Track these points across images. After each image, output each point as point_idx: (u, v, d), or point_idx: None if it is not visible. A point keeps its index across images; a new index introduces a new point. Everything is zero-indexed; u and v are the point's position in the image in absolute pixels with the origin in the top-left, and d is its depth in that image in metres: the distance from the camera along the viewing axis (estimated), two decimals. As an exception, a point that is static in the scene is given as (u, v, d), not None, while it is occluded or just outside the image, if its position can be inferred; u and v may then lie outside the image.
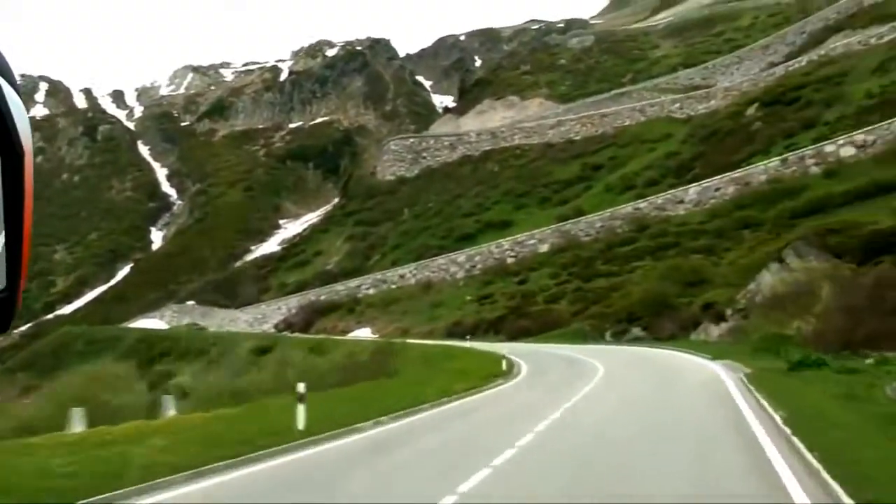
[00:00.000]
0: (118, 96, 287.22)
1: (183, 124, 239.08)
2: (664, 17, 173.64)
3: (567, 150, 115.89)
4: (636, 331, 39.06)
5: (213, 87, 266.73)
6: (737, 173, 61.56)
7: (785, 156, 59.03)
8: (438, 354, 37.84)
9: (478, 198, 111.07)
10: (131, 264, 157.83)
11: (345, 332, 75.03)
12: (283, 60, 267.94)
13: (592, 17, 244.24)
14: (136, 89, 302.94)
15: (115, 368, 77.32)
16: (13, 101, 1.29)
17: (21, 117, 1.30)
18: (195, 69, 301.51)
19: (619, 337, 41.08)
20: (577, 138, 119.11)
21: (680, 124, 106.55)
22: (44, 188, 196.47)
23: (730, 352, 30.68)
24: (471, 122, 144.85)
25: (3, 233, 1.33)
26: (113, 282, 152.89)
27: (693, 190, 64.38)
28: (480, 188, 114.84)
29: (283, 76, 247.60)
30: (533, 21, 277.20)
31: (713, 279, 38.65)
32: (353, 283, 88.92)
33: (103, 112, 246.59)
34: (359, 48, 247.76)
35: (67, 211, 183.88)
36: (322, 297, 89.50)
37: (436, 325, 62.41)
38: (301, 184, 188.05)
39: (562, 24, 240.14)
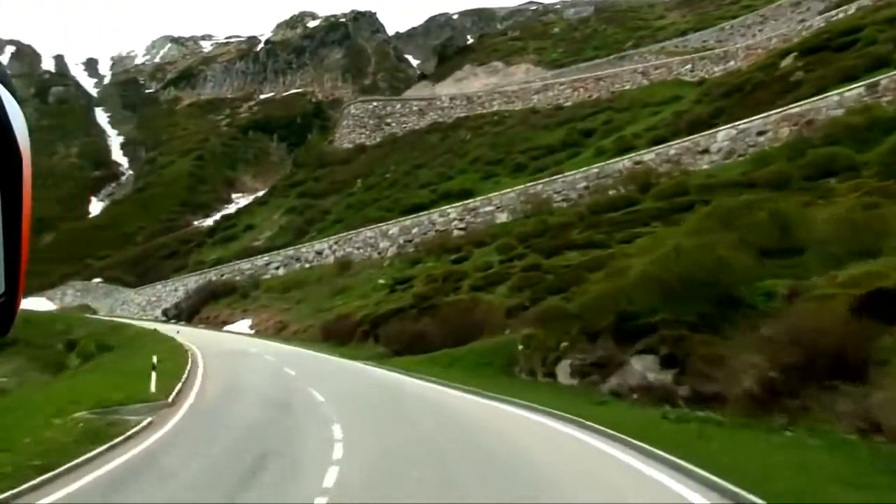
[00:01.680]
0: (91, 64, 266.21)
1: (147, 91, 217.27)
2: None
3: (553, 116, 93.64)
4: (644, 361, 16.38)
5: (186, 57, 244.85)
6: (793, 108, 39.09)
7: (875, 79, 36.65)
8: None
9: (442, 167, 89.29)
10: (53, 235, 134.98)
11: (225, 324, 53.47)
12: (265, 35, 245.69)
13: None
14: (112, 58, 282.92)
15: None
16: (10, 105, 1.24)
17: (19, 121, 1.25)
18: (174, 40, 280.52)
19: (588, 378, 17.67)
20: (567, 104, 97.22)
21: (690, 87, 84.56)
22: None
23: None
24: (447, 90, 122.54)
25: (2, 237, 1.28)
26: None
27: (723, 135, 41.94)
28: (447, 157, 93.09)
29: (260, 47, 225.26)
30: (531, 2, 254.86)
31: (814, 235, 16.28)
32: (260, 260, 66.91)
33: (61, 75, 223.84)
34: (342, 20, 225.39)
35: None
36: (224, 277, 67.22)
37: (326, 317, 40.50)
38: (262, 157, 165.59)
39: (559, 6, 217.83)
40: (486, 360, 22.17)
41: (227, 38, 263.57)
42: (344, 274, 52.34)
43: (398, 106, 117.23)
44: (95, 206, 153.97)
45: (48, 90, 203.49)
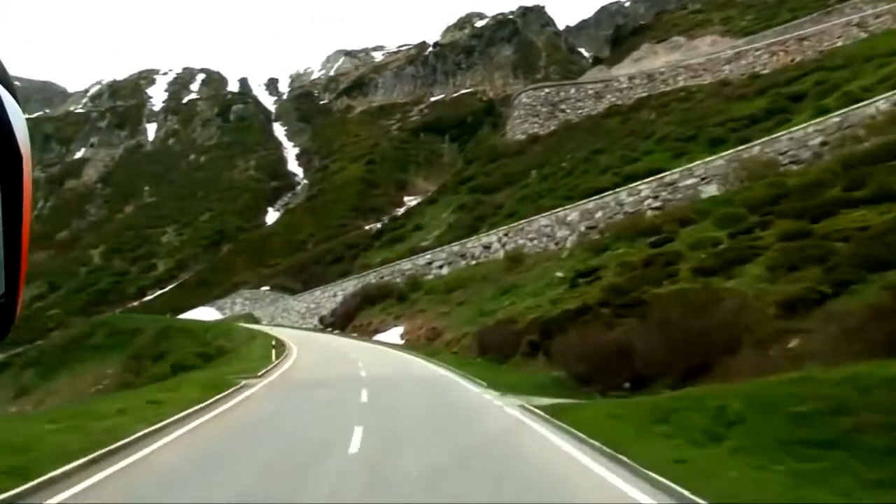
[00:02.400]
0: (272, 83, 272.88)
1: (321, 103, 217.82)
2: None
3: (749, 85, 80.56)
4: None
5: (359, 68, 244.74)
6: None
7: None
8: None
9: (624, 150, 78.50)
10: (230, 246, 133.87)
11: (376, 332, 45.49)
12: (434, 39, 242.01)
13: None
14: (291, 76, 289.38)
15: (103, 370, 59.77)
16: (11, 106, 1.21)
17: (19, 122, 1.22)
18: (347, 53, 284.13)
19: None
20: (764, 71, 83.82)
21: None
22: (168, 170, 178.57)
23: None
24: (625, 71, 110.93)
25: (2, 238, 1.25)
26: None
27: None
28: (629, 140, 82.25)
29: (429, 50, 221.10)
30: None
31: None
32: (422, 259, 58.56)
33: (242, 94, 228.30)
34: (510, 17, 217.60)
35: (185, 192, 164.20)
36: (384, 279, 59.56)
37: (486, 322, 31.27)
38: (434, 158, 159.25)
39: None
40: (799, 418, 9.61)
41: (398, 47, 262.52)
42: (514, 270, 42.89)
43: (572, 91, 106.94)
44: (271, 217, 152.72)
45: (229, 109, 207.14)
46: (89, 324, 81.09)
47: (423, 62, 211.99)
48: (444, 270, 54.96)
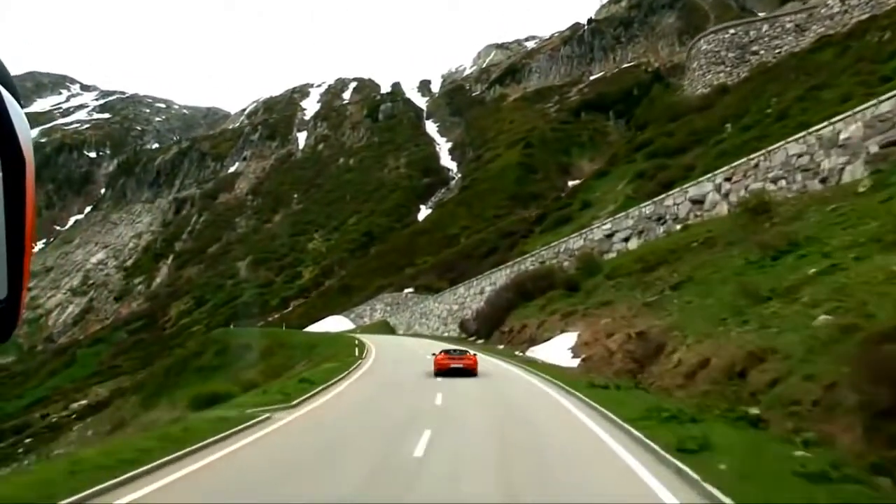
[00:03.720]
0: (424, 85, 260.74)
1: (473, 95, 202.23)
2: None
3: None
4: None
5: (511, 58, 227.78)
6: None
7: None
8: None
9: (855, 78, 57.37)
10: (376, 248, 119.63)
11: (532, 343, 27.94)
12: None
13: None
14: (443, 76, 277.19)
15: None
16: (14, 110, 1.20)
17: (22, 126, 1.20)
18: (499, 46, 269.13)
19: None
20: None
21: None
22: (317, 176, 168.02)
23: None
24: None
25: (5, 241, 1.21)
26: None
27: None
28: (860, 65, 61.08)
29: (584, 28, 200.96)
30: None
31: None
32: (598, 231, 40.23)
33: (391, 93, 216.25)
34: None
35: (333, 196, 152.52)
36: (544, 264, 41.73)
37: (780, 314, 12.61)
38: (598, 138, 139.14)
39: None
40: None
41: (550, 35, 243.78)
42: (760, 226, 24.17)
43: (765, 28, 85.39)
44: (424, 215, 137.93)
45: (378, 109, 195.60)
46: (201, 341, 68.06)
47: (578, 41, 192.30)
48: (633, 243, 36.54)
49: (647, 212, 36.63)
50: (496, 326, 38.63)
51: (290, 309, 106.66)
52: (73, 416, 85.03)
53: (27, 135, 1.21)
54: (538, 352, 26.43)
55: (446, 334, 52.41)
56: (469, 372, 25.65)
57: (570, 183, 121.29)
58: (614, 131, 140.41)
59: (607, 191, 74.50)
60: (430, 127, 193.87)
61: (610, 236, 38.59)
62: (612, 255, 37.07)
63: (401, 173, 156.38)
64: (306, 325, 78.38)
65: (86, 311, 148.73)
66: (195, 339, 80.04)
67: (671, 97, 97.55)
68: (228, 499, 9.55)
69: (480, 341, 39.25)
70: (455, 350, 27.95)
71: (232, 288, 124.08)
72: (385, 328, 64.00)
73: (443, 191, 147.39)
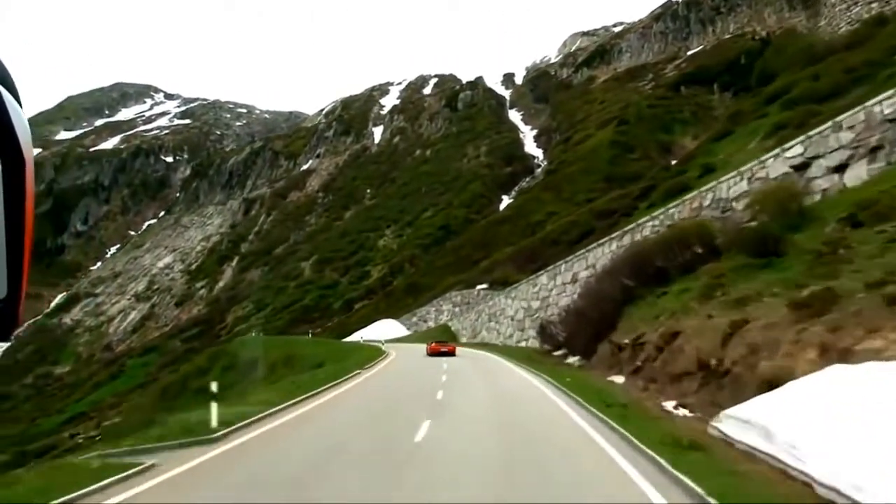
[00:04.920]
0: (508, 78, 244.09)
1: (559, 79, 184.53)
2: None
3: None
4: None
5: (597, 42, 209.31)
6: None
7: None
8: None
9: None
10: (452, 242, 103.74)
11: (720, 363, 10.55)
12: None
13: None
14: (527, 68, 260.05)
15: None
16: (14, 109, 1.18)
17: (21, 125, 1.18)
18: (585, 34, 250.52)
19: None
20: None
21: None
22: (391, 169, 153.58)
23: None
24: None
25: (4, 240, 1.19)
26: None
27: None
28: None
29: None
30: None
31: None
32: (781, 158, 22.81)
33: (472, 83, 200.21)
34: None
35: (407, 189, 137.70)
36: (679, 223, 24.66)
37: None
38: (703, 113, 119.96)
39: None
40: None
41: (639, 18, 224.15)
42: None
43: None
44: (506, 205, 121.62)
45: (457, 97, 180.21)
46: (211, 354, 53.74)
47: (672, 17, 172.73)
48: (856, 172, 19.40)
49: (887, 111, 19.47)
50: (601, 334, 22.32)
51: (352, 311, 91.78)
52: (98, 437, 72.56)
53: (27, 134, 1.17)
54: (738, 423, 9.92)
55: (522, 343, 36.50)
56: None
57: (674, 162, 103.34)
58: (719, 105, 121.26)
59: (734, 151, 56.85)
60: (514, 116, 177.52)
61: (803, 168, 21.67)
62: (818, 196, 20.22)
63: (480, 162, 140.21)
64: (360, 329, 63.30)
65: (146, 318, 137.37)
66: (205, 353, 65.61)
67: (804, 40, 78.84)
68: None
69: (574, 360, 23.13)
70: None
71: (294, 290, 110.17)
72: (445, 334, 48.39)
73: (527, 179, 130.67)
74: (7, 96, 1.16)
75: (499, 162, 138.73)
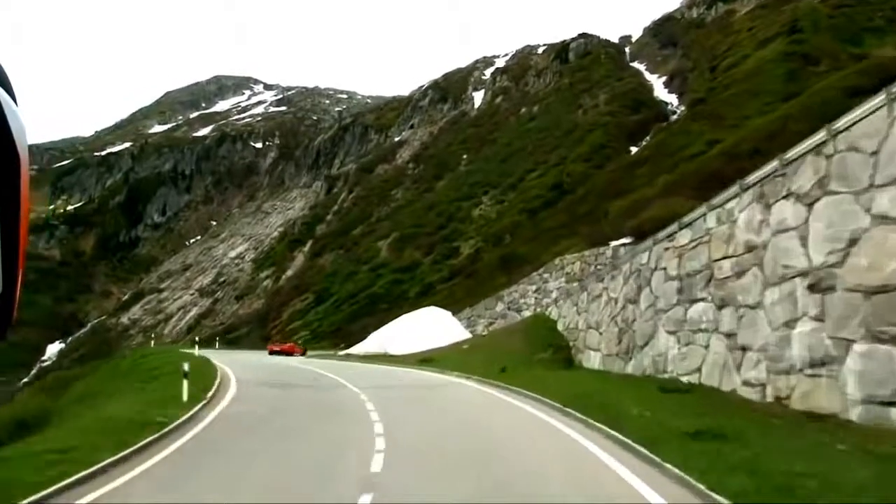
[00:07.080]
0: (625, 39, 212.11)
1: (688, 20, 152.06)
2: None
3: None
4: None
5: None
6: None
7: None
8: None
9: None
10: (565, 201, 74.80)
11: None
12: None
13: None
14: (644, 28, 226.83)
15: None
16: (7, 104, 1.16)
17: (16, 120, 1.16)
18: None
19: None
20: None
21: None
22: (492, 131, 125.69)
23: None
24: None
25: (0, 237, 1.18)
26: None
27: None
28: None
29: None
30: None
31: None
32: None
33: (583, 34, 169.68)
34: None
35: (510, 150, 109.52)
36: None
37: None
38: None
39: None
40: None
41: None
42: None
43: None
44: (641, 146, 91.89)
45: (566, 49, 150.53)
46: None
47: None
48: None
49: None
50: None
51: (427, 298, 64.48)
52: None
53: (21, 128, 1.14)
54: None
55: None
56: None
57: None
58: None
59: None
60: (637, 67, 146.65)
61: None
62: None
63: (600, 111, 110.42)
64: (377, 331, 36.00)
65: (203, 315, 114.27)
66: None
67: None
68: None
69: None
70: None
71: (365, 275, 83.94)
72: (539, 332, 20.80)
73: (662, 125, 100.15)
74: (1, 92, 1.12)
75: (623, 109, 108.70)
